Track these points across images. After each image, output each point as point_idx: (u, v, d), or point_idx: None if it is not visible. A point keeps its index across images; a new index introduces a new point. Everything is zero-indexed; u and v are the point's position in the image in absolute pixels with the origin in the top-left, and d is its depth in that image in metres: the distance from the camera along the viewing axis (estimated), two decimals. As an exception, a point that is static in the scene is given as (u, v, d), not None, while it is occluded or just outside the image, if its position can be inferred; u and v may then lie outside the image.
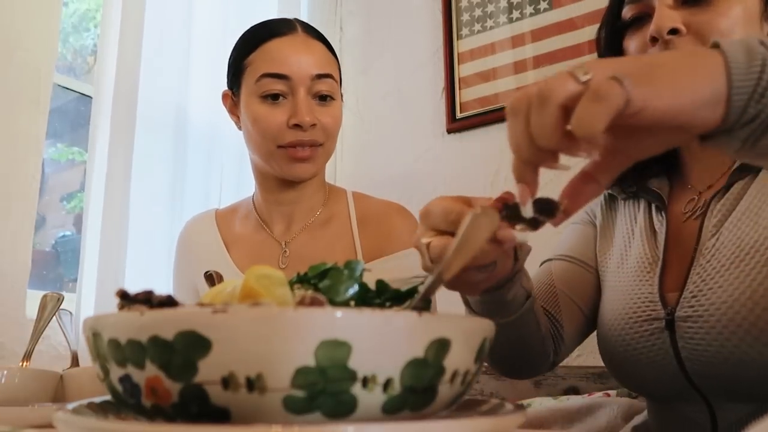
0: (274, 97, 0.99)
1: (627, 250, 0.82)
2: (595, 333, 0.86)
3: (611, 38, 0.85)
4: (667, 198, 0.81)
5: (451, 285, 0.56)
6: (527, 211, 0.49)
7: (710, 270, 0.69)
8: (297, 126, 0.98)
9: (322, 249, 1.04)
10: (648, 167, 0.83)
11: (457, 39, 1.88)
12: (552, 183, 0.79)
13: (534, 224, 0.50)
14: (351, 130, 2.04)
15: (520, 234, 0.50)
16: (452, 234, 0.50)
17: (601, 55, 0.89)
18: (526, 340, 0.76)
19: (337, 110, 1.04)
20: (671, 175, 0.83)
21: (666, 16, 0.74)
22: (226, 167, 1.72)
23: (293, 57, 0.99)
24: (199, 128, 1.69)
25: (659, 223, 0.79)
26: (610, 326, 0.78)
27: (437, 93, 1.91)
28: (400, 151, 1.96)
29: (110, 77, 1.49)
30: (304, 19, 2.00)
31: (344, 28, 2.17)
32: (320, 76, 1.00)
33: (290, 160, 1.00)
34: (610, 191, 0.87)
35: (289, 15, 1.12)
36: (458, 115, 1.84)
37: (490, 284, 0.61)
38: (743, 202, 0.71)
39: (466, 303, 0.70)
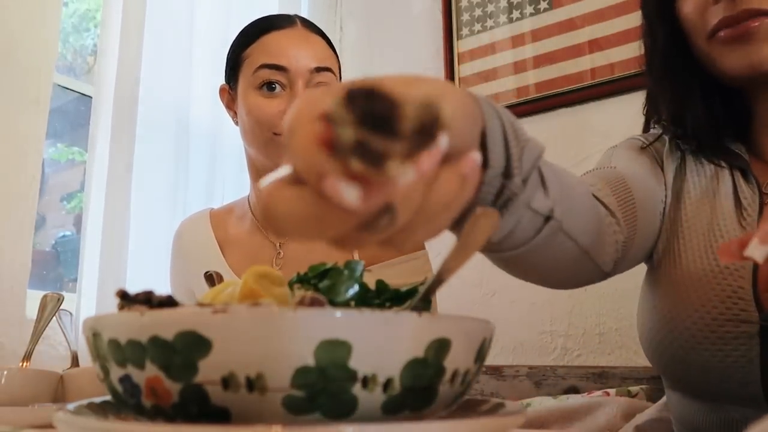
0: (271, 88, 0.98)
1: (713, 226, 0.67)
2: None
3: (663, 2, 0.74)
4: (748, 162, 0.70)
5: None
6: None
7: None
8: None
9: (318, 252, 1.03)
10: (722, 129, 0.74)
11: (457, 39, 1.88)
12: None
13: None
14: (351, 130, 2.04)
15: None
16: None
17: (647, 20, 0.77)
18: (560, 264, 0.57)
19: None
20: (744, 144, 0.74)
21: None
22: (227, 167, 1.72)
23: (292, 49, 0.99)
24: (201, 128, 1.69)
25: (749, 196, 0.67)
26: (679, 315, 0.64)
27: (437, 93, 1.91)
28: (400, 151, 1.96)
29: (110, 77, 1.49)
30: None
31: (344, 28, 2.16)
32: (319, 69, 1.00)
33: None
34: (679, 142, 0.75)
35: (288, 14, 1.12)
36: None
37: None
38: None
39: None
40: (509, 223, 0.47)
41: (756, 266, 0.57)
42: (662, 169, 0.75)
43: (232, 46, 1.06)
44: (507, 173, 0.44)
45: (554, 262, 0.56)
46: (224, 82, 1.08)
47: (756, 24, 0.64)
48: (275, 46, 0.99)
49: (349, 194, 0.27)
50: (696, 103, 0.72)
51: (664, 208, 0.72)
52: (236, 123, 1.07)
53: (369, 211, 0.28)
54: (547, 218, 0.49)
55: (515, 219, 0.47)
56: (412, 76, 0.32)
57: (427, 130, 0.26)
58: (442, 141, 0.27)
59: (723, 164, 0.72)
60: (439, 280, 0.40)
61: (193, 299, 1.03)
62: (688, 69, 0.73)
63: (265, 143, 1.00)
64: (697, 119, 0.72)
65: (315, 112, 0.27)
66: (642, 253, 0.70)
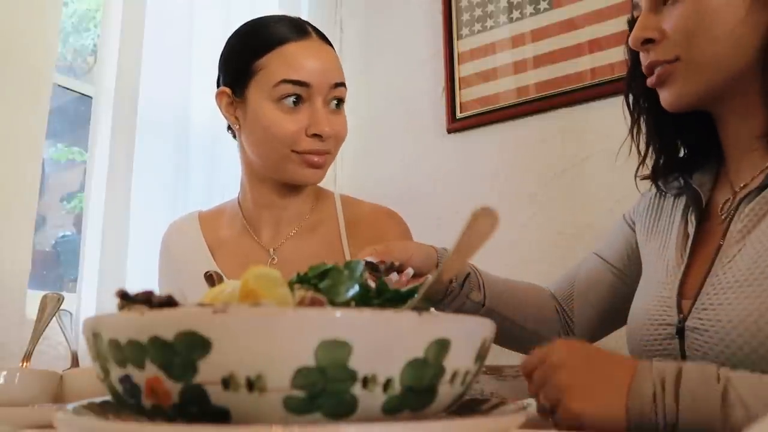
0: (294, 103, 0.97)
1: (663, 251, 0.81)
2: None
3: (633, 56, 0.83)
4: (710, 194, 0.79)
5: None
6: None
7: (725, 283, 0.67)
8: (315, 135, 0.97)
9: (310, 255, 1.02)
10: (692, 159, 0.83)
11: (457, 39, 1.88)
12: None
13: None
14: (351, 130, 2.03)
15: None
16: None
17: (629, 73, 0.86)
18: (504, 334, 0.90)
19: (344, 118, 1.04)
20: (719, 168, 0.81)
21: (639, 26, 0.75)
22: (227, 167, 1.72)
23: (312, 64, 0.98)
24: (201, 128, 1.68)
25: (691, 225, 0.78)
26: (631, 322, 0.80)
27: (437, 93, 1.90)
28: (400, 151, 1.95)
29: (110, 77, 1.48)
30: (304, 18, 2.00)
31: (344, 28, 2.16)
32: (337, 85, 1.00)
33: (304, 165, 0.98)
34: (659, 185, 0.86)
35: (289, 15, 1.11)
36: (458, 115, 1.84)
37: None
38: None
39: None
40: (452, 308, 0.86)
41: (684, 276, 0.74)
42: (632, 226, 0.91)
43: (238, 50, 1.03)
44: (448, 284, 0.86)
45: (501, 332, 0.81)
46: (223, 86, 1.04)
47: (663, 72, 0.74)
48: (296, 60, 0.97)
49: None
50: (654, 136, 0.84)
51: (632, 248, 0.90)
52: (236, 128, 1.04)
53: None
54: (483, 305, 0.89)
55: (456, 306, 0.86)
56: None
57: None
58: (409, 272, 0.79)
59: (684, 198, 0.82)
60: (439, 280, 0.40)
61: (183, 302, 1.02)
62: (647, 102, 0.84)
63: (283, 158, 0.99)
64: (659, 153, 0.84)
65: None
66: (596, 323, 0.95)
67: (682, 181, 0.82)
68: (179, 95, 1.64)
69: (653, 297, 0.76)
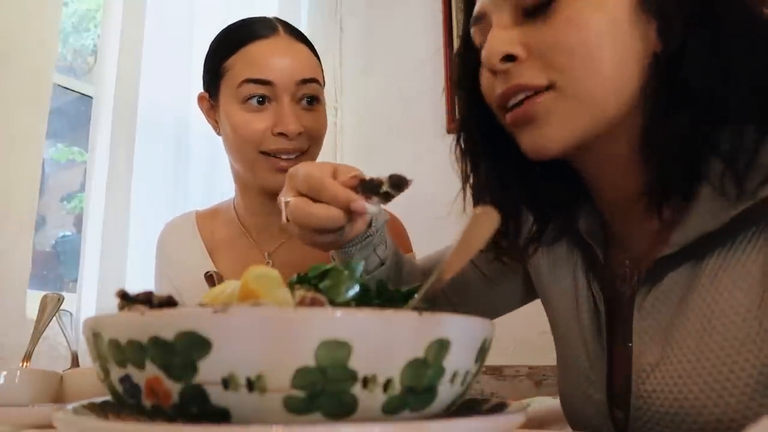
0: (258, 102, 0.94)
1: (576, 323, 0.67)
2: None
3: (465, 69, 0.66)
4: (604, 246, 0.65)
5: (303, 241, 0.63)
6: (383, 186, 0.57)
7: (650, 404, 0.56)
8: (281, 134, 0.94)
9: (306, 260, 1.01)
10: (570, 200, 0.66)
11: (457, 39, 1.88)
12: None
13: (386, 197, 0.58)
14: (351, 130, 2.04)
15: (373, 206, 0.57)
16: (311, 198, 0.60)
17: (465, 107, 0.69)
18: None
19: (322, 115, 0.99)
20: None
21: (496, 39, 0.56)
22: (227, 167, 1.72)
23: (276, 61, 0.94)
24: (201, 128, 1.68)
25: (599, 300, 0.64)
26: (563, 398, 0.71)
27: (437, 93, 1.91)
28: (400, 151, 1.96)
29: (110, 77, 1.49)
30: (304, 19, 2.00)
31: (344, 28, 2.16)
32: (305, 81, 0.96)
33: (272, 170, 0.95)
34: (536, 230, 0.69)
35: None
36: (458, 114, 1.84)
37: (339, 246, 0.66)
38: (687, 317, 0.55)
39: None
40: (359, 256, 0.70)
41: (609, 368, 0.62)
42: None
43: (210, 53, 1.01)
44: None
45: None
46: (203, 90, 1.03)
47: (530, 105, 0.56)
48: (259, 59, 0.94)
49: (370, 208, 0.58)
50: (508, 185, 0.66)
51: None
52: (217, 133, 1.04)
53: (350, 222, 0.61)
54: (382, 263, 0.72)
55: (363, 256, 0.70)
56: None
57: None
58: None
59: (575, 250, 0.68)
60: (440, 280, 0.39)
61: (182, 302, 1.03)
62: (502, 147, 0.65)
63: (251, 162, 0.96)
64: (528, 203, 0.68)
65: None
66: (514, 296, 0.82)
67: (565, 225, 0.67)
68: (179, 95, 1.64)
69: (580, 395, 0.66)
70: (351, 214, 0.58)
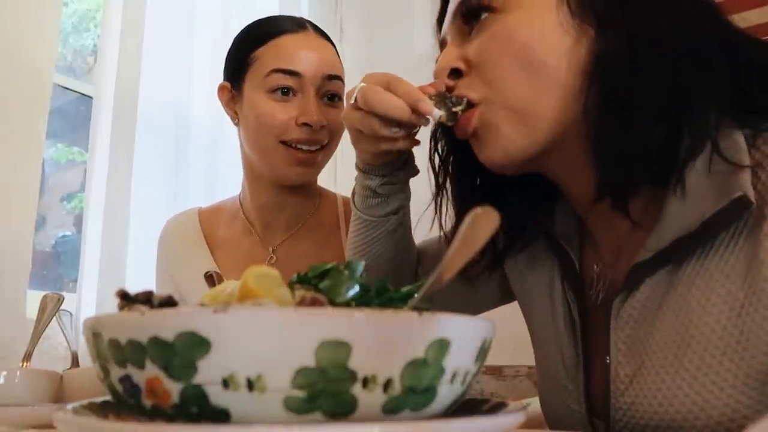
0: (283, 93, 0.97)
1: (552, 329, 0.66)
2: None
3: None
4: (579, 248, 0.65)
5: (363, 132, 0.66)
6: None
7: (630, 416, 0.56)
8: (305, 125, 0.96)
9: (311, 256, 1.01)
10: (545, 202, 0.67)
11: (457, 39, 1.88)
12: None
13: (452, 116, 0.59)
14: (351, 130, 2.04)
15: (438, 111, 0.59)
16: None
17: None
18: (399, 252, 0.78)
19: (342, 112, 1.02)
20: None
21: (444, 55, 0.60)
22: (227, 166, 1.72)
23: (305, 55, 0.98)
24: (201, 128, 1.69)
25: (574, 307, 0.63)
26: (542, 399, 0.69)
27: (437, 93, 1.91)
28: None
29: (110, 77, 1.49)
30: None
31: (344, 28, 2.17)
32: (331, 77, 0.99)
33: (289, 161, 0.97)
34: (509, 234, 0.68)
35: (289, 14, 1.11)
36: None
37: (389, 149, 0.67)
38: (664, 326, 0.54)
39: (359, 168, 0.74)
40: (399, 181, 0.73)
41: (586, 376, 0.61)
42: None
43: (236, 44, 1.04)
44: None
45: (397, 250, 0.77)
46: (224, 80, 1.05)
47: (465, 119, 0.58)
48: (288, 51, 0.98)
49: (435, 111, 0.59)
50: (479, 195, 0.67)
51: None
52: (235, 123, 1.05)
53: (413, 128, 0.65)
54: (402, 207, 0.75)
55: (396, 190, 0.73)
56: None
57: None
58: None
59: (550, 255, 0.68)
60: (439, 280, 0.39)
61: (180, 300, 1.03)
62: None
63: (269, 150, 0.98)
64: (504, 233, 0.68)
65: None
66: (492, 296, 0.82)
67: (541, 224, 0.67)
68: (179, 95, 1.64)
69: (557, 397, 0.65)
70: (418, 114, 0.60)
